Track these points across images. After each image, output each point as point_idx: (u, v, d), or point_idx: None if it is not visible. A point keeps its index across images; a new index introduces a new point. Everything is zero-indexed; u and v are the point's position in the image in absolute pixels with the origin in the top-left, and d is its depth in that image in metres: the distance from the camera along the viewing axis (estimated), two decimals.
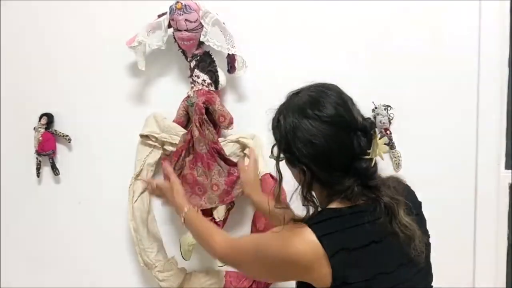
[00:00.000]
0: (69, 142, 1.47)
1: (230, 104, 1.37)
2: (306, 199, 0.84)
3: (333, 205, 0.84)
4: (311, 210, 0.85)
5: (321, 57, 1.35)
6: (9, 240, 1.54)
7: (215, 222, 1.32)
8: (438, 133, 1.34)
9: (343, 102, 0.84)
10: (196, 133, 1.29)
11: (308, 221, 0.80)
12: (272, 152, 0.91)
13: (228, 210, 1.34)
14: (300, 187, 0.84)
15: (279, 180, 0.90)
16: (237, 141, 1.33)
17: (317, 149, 0.80)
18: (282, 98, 1.34)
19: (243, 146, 1.34)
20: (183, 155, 1.31)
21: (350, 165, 0.81)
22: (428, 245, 0.89)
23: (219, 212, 1.32)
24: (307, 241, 0.77)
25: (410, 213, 0.85)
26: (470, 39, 1.29)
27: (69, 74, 1.47)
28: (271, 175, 1.31)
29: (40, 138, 1.44)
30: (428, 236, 0.91)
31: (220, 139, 1.33)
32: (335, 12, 1.34)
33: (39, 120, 1.46)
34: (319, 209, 0.85)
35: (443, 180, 1.33)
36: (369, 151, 0.81)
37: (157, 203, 1.44)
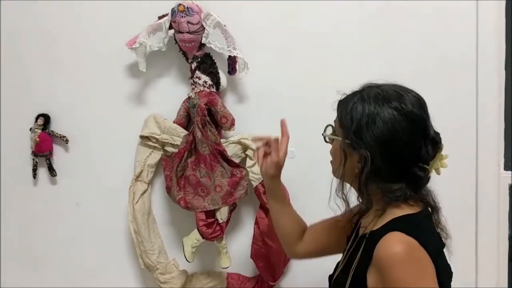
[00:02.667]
0: (67, 143, 1.51)
1: (230, 105, 1.43)
2: (362, 191, 0.89)
3: (404, 212, 0.88)
4: (361, 206, 0.92)
5: (321, 59, 1.41)
6: (5, 242, 1.58)
7: (218, 224, 1.39)
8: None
9: (424, 107, 0.90)
10: (198, 134, 1.35)
11: (401, 229, 0.83)
12: (325, 130, 0.97)
13: (230, 211, 1.40)
14: (357, 176, 0.87)
15: (343, 161, 0.91)
16: (239, 142, 1.40)
17: (390, 139, 0.84)
18: (281, 98, 1.42)
19: (245, 147, 1.40)
20: (185, 156, 1.37)
21: (410, 168, 0.87)
22: None
23: (222, 213, 1.38)
24: (414, 249, 0.82)
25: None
26: (468, 41, 1.35)
27: (67, 74, 1.51)
28: None
29: (37, 139, 1.48)
30: None
31: (221, 140, 1.39)
32: (335, 13, 1.40)
33: (36, 121, 1.49)
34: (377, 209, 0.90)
35: (443, 182, 1.38)
36: (430, 162, 0.88)
37: (157, 204, 1.50)
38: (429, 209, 0.94)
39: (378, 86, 0.91)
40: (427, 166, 0.88)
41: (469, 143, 1.38)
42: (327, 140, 0.98)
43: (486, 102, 1.37)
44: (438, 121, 1.37)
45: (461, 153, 1.38)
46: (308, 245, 1.13)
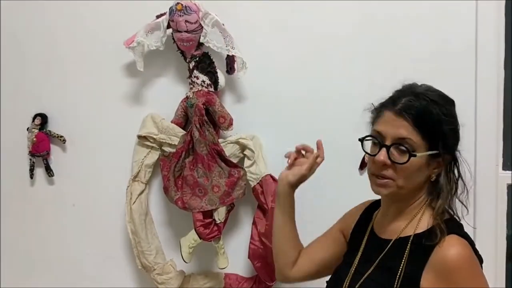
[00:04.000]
0: (64, 143, 1.50)
1: (229, 105, 1.42)
2: (448, 197, 0.91)
3: (444, 216, 0.90)
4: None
5: (320, 58, 1.41)
6: (2, 242, 1.57)
7: (216, 224, 1.38)
8: None
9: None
10: (196, 134, 1.34)
11: (458, 233, 0.86)
12: (363, 145, 0.93)
13: (228, 212, 1.40)
14: (442, 182, 0.90)
15: (425, 172, 0.90)
16: (237, 142, 1.39)
17: (458, 137, 0.92)
18: (280, 97, 1.41)
19: (243, 147, 1.39)
20: (183, 156, 1.36)
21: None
22: None
23: (220, 214, 1.37)
24: (471, 254, 0.85)
25: None
26: (467, 41, 1.35)
27: (64, 74, 1.50)
28: (271, 176, 1.38)
29: (34, 139, 1.48)
30: None
31: (219, 140, 1.38)
32: (335, 13, 1.40)
33: (33, 121, 1.49)
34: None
35: None
36: None
37: (155, 204, 1.50)
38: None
39: (428, 86, 0.94)
40: None
41: (468, 143, 1.34)
42: (402, 162, 0.88)
43: (485, 102, 1.37)
44: None
45: (460, 152, 1.38)
46: (303, 267, 1.09)
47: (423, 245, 0.84)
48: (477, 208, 1.39)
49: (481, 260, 0.87)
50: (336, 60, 1.41)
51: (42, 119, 1.49)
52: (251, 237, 1.39)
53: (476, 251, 0.86)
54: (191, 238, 1.37)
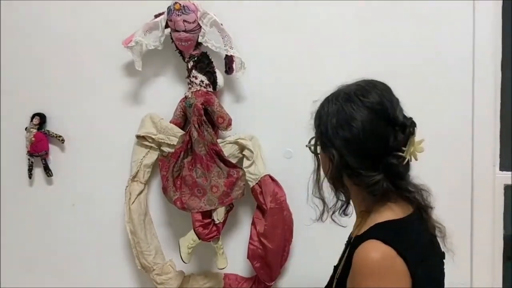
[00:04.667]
0: (62, 142, 1.50)
1: (227, 105, 1.42)
2: (336, 186, 0.88)
3: (388, 217, 0.84)
4: (339, 202, 0.90)
5: (318, 58, 1.40)
6: (1, 242, 1.56)
7: (215, 224, 1.37)
8: (433, 135, 1.37)
9: (389, 96, 0.88)
10: (195, 134, 1.34)
11: (379, 237, 0.80)
12: (309, 142, 0.95)
13: (227, 212, 1.39)
14: (330, 176, 0.88)
15: (316, 167, 0.93)
16: (236, 142, 1.39)
17: (352, 132, 0.83)
18: (279, 98, 1.41)
19: (242, 147, 1.39)
20: (181, 156, 1.36)
21: (381, 158, 0.84)
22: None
23: (219, 214, 1.37)
24: (389, 259, 0.78)
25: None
26: (464, 41, 1.35)
27: (63, 73, 1.49)
28: (270, 177, 1.38)
29: (32, 139, 1.47)
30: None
31: (218, 140, 1.37)
32: (333, 13, 1.39)
33: (31, 120, 1.48)
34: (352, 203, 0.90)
35: (439, 182, 1.38)
36: (404, 149, 0.85)
37: (154, 204, 1.49)
38: (420, 210, 0.89)
39: (344, 86, 0.91)
40: (401, 154, 0.85)
41: (465, 143, 1.38)
42: (312, 150, 0.95)
43: (482, 102, 1.37)
44: (434, 121, 1.39)
45: (456, 153, 1.39)
46: None
47: (354, 248, 0.83)
48: (474, 208, 1.39)
49: (415, 270, 0.80)
50: (335, 60, 1.40)
51: (40, 119, 1.49)
52: (250, 238, 1.38)
53: (408, 259, 0.79)
54: (190, 238, 1.37)
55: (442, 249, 0.93)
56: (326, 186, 0.94)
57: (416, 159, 0.89)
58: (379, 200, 0.86)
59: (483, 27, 1.35)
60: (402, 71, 1.36)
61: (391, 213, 0.85)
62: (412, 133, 0.86)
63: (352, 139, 0.84)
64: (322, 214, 0.94)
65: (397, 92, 1.36)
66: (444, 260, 0.94)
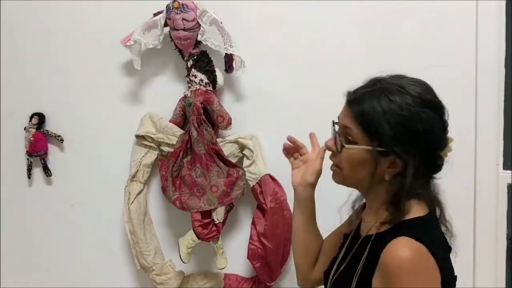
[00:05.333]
0: (62, 142, 1.49)
1: (227, 104, 1.41)
2: (398, 197, 0.84)
3: (415, 214, 0.83)
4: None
5: (319, 56, 1.39)
6: (1, 242, 1.56)
7: (214, 224, 1.36)
8: None
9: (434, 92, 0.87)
10: (194, 133, 1.32)
11: (411, 234, 0.79)
12: (335, 141, 0.88)
13: (227, 212, 1.38)
14: (391, 182, 0.83)
15: (373, 170, 0.85)
16: (236, 142, 1.37)
17: (429, 142, 0.81)
18: (279, 96, 1.40)
19: (242, 147, 1.38)
20: (181, 155, 1.34)
21: (435, 160, 0.84)
22: None
23: (219, 214, 1.35)
24: (422, 255, 0.78)
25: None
26: (468, 40, 1.34)
27: (62, 72, 1.48)
28: (270, 176, 1.36)
29: (31, 139, 1.46)
30: None
31: (218, 140, 1.36)
32: (334, 11, 1.38)
33: (30, 120, 1.47)
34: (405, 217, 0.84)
35: (443, 181, 1.37)
36: (443, 149, 0.85)
37: (154, 204, 1.48)
38: (437, 208, 0.89)
39: (392, 81, 0.86)
40: (442, 154, 0.86)
41: (468, 142, 1.37)
42: (338, 150, 0.87)
43: (485, 101, 1.35)
44: None
45: (459, 152, 1.35)
46: (324, 266, 1.02)
47: (380, 245, 0.81)
48: (477, 208, 1.38)
49: (443, 266, 0.80)
50: (336, 59, 1.39)
51: (39, 119, 1.48)
52: (250, 237, 1.37)
53: (437, 256, 0.78)
54: (190, 238, 1.36)
55: None
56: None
57: (445, 157, 0.89)
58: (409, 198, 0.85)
59: (486, 26, 1.34)
60: (404, 70, 1.31)
61: (415, 210, 0.84)
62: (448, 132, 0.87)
63: (423, 141, 0.81)
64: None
65: None
66: None
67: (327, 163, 0.96)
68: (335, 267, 0.94)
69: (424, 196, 0.86)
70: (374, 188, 0.87)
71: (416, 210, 0.84)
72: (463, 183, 1.37)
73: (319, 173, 1.00)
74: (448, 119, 0.87)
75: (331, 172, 0.94)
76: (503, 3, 1.35)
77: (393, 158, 0.82)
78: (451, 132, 1.36)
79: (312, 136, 1.06)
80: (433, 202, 0.88)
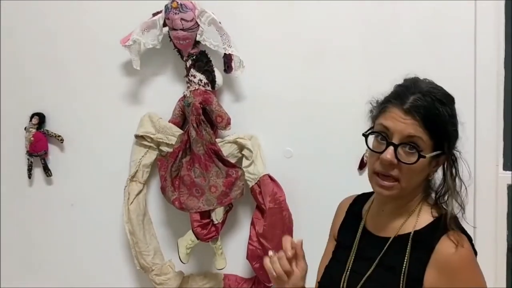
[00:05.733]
0: (62, 142, 1.48)
1: (227, 104, 1.40)
2: (454, 193, 0.88)
3: (439, 211, 0.88)
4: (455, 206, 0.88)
5: (318, 57, 1.38)
6: (1, 242, 1.55)
7: (213, 225, 1.36)
8: None
9: None
10: (193, 133, 1.32)
11: (456, 227, 0.84)
12: (417, 149, 0.84)
13: (226, 212, 1.38)
14: (448, 180, 0.88)
15: (454, 172, 0.91)
16: (235, 142, 1.36)
17: (458, 136, 0.88)
18: (279, 96, 1.39)
19: (241, 147, 1.37)
20: (180, 156, 1.34)
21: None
22: None
23: (217, 214, 1.35)
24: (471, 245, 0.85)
25: None
26: (466, 40, 1.33)
27: (61, 73, 1.48)
28: (270, 177, 1.35)
29: (32, 139, 1.46)
30: None
31: (217, 140, 1.36)
32: (332, 11, 1.37)
33: (30, 120, 1.47)
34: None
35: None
36: None
37: (154, 205, 1.47)
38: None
39: (428, 85, 0.89)
40: None
41: (468, 143, 1.32)
42: (414, 161, 0.83)
43: (484, 102, 1.35)
44: None
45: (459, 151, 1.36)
46: None
47: (425, 241, 0.83)
48: (477, 208, 1.37)
49: (475, 253, 0.87)
50: (334, 59, 1.38)
51: (39, 119, 1.47)
52: (250, 238, 1.36)
53: (473, 245, 0.86)
54: (189, 238, 1.36)
55: None
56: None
57: None
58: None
59: (485, 26, 1.33)
60: (402, 71, 1.30)
61: (437, 208, 0.88)
62: None
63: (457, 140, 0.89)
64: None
65: None
66: None
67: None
68: (348, 271, 0.91)
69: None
70: (416, 189, 0.89)
71: (437, 208, 0.89)
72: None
73: (305, 273, 0.93)
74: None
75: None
76: (502, 3, 1.34)
77: (440, 157, 0.87)
78: None
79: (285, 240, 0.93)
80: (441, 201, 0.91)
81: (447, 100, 0.87)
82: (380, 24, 1.36)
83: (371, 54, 1.36)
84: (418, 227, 0.85)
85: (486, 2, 1.32)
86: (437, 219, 0.85)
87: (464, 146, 1.33)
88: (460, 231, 0.84)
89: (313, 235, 1.33)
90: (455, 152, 0.89)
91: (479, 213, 1.37)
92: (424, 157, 0.82)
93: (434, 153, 0.84)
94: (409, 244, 0.85)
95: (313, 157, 1.39)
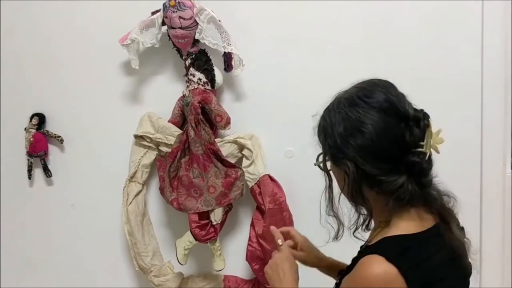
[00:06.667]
0: (61, 143, 1.47)
1: (227, 103, 1.37)
2: (356, 200, 0.80)
3: (403, 230, 0.78)
4: (361, 217, 0.83)
5: (319, 56, 1.35)
6: (1, 243, 1.55)
7: (212, 225, 1.33)
8: (442, 134, 1.34)
9: (395, 91, 0.80)
10: (192, 133, 1.29)
11: (384, 253, 0.74)
12: (317, 159, 0.86)
13: (226, 213, 1.35)
14: (347, 191, 0.79)
15: (328, 184, 0.85)
16: (235, 142, 1.34)
17: (365, 138, 0.75)
18: (280, 96, 1.37)
19: (241, 147, 1.34)
20: (178, 156, 1.31)
21: (401, 159, 0.76)
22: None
23: (216, 215, 1.32)
24: (388, 278, 0.73)
25: (461, 229, 0.84)
26: (474, 39, 1.30)
27: (61, 73, 1.46)
28: (270, 177, 1.32)
29: (31, 139, 1.44)
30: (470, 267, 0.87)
31: (217, 140, 1.33)
32: (335, 9, 1.34)
33: (30, 120, 1.45)
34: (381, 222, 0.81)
35: (448, 181, 1.32)
36: (422, 143, 0.77)
37: (154, 205, 1.45)
38: (443, 222, 0.81)
39: (342, 92, 0.83)
40: (421, 149, 0.77)
41: (474, 142, 1.33)
42: (322, 167, 0.85)
43: (491, 101, 1.32)
44: (443, 120, 1.33)
45: (466, 152, 1.34)
46: None
47: (359, 258, 0.78)
48: (484, 208, 1.35)
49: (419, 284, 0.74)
50: (336, 58, 1.35)
51: (39, 119, 1.46)
52: (249, 239, 1.34)
53: (412, 281, 0.73)
54: (187, 239, 1.33)
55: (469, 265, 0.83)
56: (341, 202, 0.85)
57: (438, 152, 0.80)
58: (401, 209, 0.78)
59: (493, 25, 1.30)
60: (410, 71, 1.31)
61: (407, 226, 0.78)
62: (428, 125, 0.79)
63: (366, 145, 0.76)
64: (338, 232, 0.86)
65: (406, 91, 1.32)
66: (469, 278, 0.84)
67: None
68: None
69: (424, 204, 0.79)
70: (362, 198, 0.82)
71: (408, 226, 0.78)
72: (470, 183, 1.34)
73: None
74: (416, 113, 0.79)
75: None
76: (509, 3, 1.31)
77: (343, 165, 0.80)
78: (457, 131, 1.34)
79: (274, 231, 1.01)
80: (435, 212, 0.80)
81: (339, 106, 0.79)
82: (382, 23, 1.33)
83: (373, 54, 1.33)
84: (372, 242, 0.81)
85: (493, 3, 1.29)
86: (382, 240, 0.79)
87: (471, 145, 1.33)
88: (387, 259, 0.73)
89: (315, 236, 1.31)
90: (347, 162, 0.77)
91: (486, 213, 1.34)
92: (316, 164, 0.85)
93: (318, 162, 0.85)
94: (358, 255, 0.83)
95: (314, 157, 1.36)
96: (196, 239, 1.32)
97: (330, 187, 0.85)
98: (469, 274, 0.84)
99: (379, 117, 0.76)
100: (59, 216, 1.51)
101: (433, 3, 1.30)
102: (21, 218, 1.53)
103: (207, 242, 1.34)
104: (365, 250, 0.80)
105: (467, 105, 1.33)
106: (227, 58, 1.31)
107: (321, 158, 0.85)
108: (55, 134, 1.46)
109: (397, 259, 0.73)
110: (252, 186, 1.32)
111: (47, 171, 1.48)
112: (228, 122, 1.32)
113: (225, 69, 1.33)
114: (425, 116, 0.79)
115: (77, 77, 1.46)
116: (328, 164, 0.84)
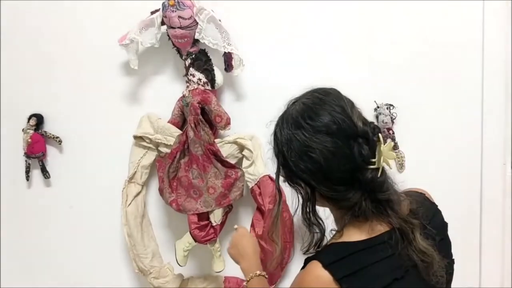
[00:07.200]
0: (60, 143, 1.45)
1: (227, 103, 1.36)
2: (309, 221, 0.80)
3: (349, 238, 0.78)
4: (315, 236, 0.82)
5: (320, 56, 1.34)
6: (0, 244, 1.53)
7: (212, 226, 1.32)
8: (442, 133, 1.34)
9: (341, 107, 0.79)
10: (191, 134, 1.28)
11: (322, 259, 0.75)
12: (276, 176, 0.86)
13: (226, 213, 1.34)
14: (301, 208, 0.80)
15: (278, 200, 0.86)
16: (235, 142, 1.32)
17: (313, 162, 0.75)
18: (280, 96, 1.36)
19: (241, 147, 1.33)
20: (178, 156, 1.30)
21: (353, 177, 0.75)
22: (450, 269, 0.84)
23: (216, 216, 1.31)
24: (322, 283, 0.73)
25: (429, 237, 0.80)
26: (474, 39, 1.30)
27: (59, 73, 1.45)
28: (270, 177, 1.31)
29: (29, 140, 1.43)
30: (452, 261, 0.86)
31: (217, 140, 1.32)
32: (335, 11, 1.33)
33: (28, 121, 1.44)
34: (330, 234, 0.81)
35: (448, 181, 1.33)
36: (373, 160, 0.76)
37: (153, 206, 1.44)
38: (392, 233, 0.78)
39: (293, 103, 0.84)
40: (372, 166, 0.76)
41: (474, 141, 1.33)
42: (284, 182, 0.84)
43: (492, 100, 1.32)
44: (444, 119, 1.34)
45: (466, 152, 1.34)
46: None
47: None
48: (484, 207, 1.34)
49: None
50: (336, 58, 1.34)
51: (37, 120, 1.44)
52: None
53: (341, 285, 0.73)
54: (186, 241, 1.32)
55: (434, 281, 0.80)
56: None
57: (390, 167, 0.79)
58: (356, 219, 0.78)
59: (493, 25, 1.30)
60: (410, 69, 1.31)
61: (354, 233, 0.78)
62: (378, 140, 0.77)
63: (316, 169, 0.76)
64: (318, 242, 0.84)
65: (404, 91, 1.32)
66: (445, 285, 0.82)
67: None
68: None
69: (379, 214, 0.77)
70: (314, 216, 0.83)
71: (355, 233, 0.78)
72: (470, 183, 1.34)
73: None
74: (365, 129, 0.77)
75: None
76: (510, 3, 1.31)
77: (298, 187, 0.82)
78: (457, 130, 1.34)
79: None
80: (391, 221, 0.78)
81: (287, 126, 0.80)
82: (384, 24, 1.32)
83: (375, 55, 1.32)
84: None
85: (494, 3, 1.29)
86: (325, 246, 0.81)
87: (471, 145, 1.33)
88: (322, 265, 0.75)
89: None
90: (300, 182, 0.79)
91: (486, 213, 1.34)
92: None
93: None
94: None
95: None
96: (195, 240, 1.31)
97: (279, 204, 0.87)
98: (440, 281, 0.80)
99: (325, 141, 0.75)
100: (58, 217, 1.49)
101: (433, 3, 1.30)
102: (19, 220, 1.51)
103: (206, 243, 1.32)
104: (314, 254, 0.81)
105: (468, 105, 1.33)
106: (227, 58, 1.29)
107: (282, 173, 0.83)
108: (53, 135, 1.44)
109: (333, 265, 0.74)
110: (252, 187, 1.30)
111: (45, 172, 1.47)
112: (228, 123, 1.31)
113: (225, 69, 1.31)
114: (375, 131, 0.78)
115: (76, 77, 1.44)
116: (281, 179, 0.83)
